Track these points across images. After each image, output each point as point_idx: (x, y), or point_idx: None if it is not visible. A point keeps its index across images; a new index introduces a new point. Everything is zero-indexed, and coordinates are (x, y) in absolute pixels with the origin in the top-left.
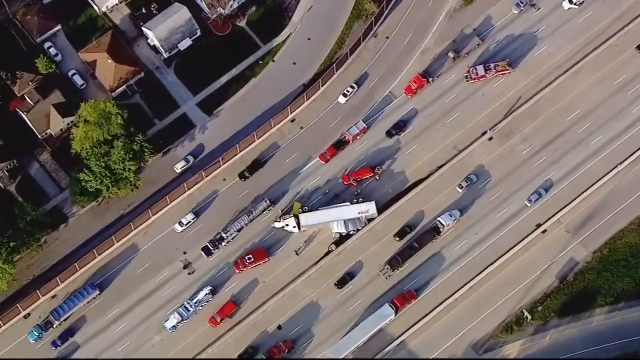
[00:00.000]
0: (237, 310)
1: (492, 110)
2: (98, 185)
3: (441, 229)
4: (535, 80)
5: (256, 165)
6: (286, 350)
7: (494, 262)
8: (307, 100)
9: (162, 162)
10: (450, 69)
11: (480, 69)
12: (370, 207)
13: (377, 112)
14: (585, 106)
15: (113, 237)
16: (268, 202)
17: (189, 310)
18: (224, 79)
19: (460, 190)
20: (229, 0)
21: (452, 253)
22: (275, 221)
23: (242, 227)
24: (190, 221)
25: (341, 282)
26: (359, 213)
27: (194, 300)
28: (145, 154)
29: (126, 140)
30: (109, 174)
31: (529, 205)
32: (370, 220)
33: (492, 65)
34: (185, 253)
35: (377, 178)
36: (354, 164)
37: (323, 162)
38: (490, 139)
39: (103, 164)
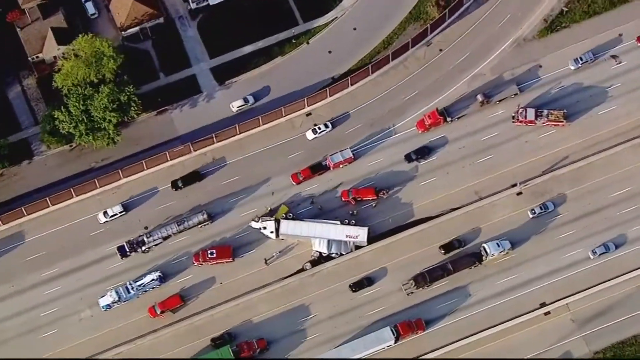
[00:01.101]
0: (182, 307)
1: (531, 162)
2: (71, 129)
3: (484, 257)
4: (589, 142)
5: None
6: (257, 350)
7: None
8: (329, 96)
9: (155, 121)
10: (475, 112)
11: (531, 113)
12: (361, 234)
13: (404, 130)
14: (637, 187)
15: (48, 200)
16: (205, 215)
17: (129, 292)
18: (248, 48)
19: (530, 216)
20: None
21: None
22: (253, 220)
23: (169, 236)
24: (116, 214)
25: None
26: (347, 236)
27: (138, 283)
28: (133, 108)
29: (114, 88)
30: (85, 120)
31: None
32: (358, 247)
33: (545, 112)
34: (146, 228)
35: (373, 205)
36: (360, 180)
37: (294, 183)
38: (519, 193)
39: (82, 107)
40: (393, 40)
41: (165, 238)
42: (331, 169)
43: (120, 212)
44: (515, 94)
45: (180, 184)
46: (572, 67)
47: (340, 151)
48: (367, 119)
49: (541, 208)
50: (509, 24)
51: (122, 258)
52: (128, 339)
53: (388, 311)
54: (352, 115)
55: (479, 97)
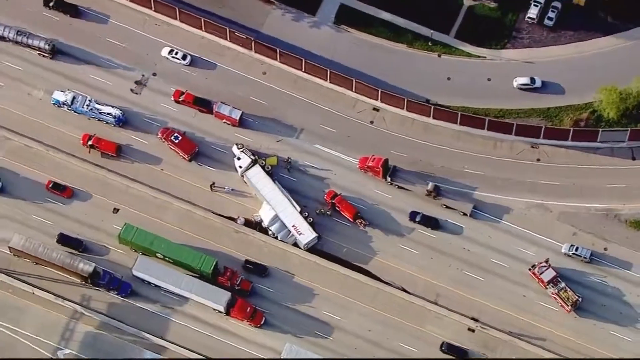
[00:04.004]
0: (114, 158)
1: (513, 316)
2: None
3: None
4: (573, 344)
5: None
6: (237, 285)
7: None
8: (404, 109)
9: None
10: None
11: (549, 274)
12: (307, 235)
13: (441, 190)
14: None
15: None
16: (48, 46)
17: (83, 106)
18: (385, 15)
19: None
20: None
21: None
22: (236, 144)
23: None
24: None
25: None
26: (293, 226)
27: (97, 105)
28: None
29: None
30: None
31: None
32: (294, 244)
33: (563, 284)
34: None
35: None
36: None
37: (174, 99)
38: (472, 330)
39: None
40: (521, 115)
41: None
42: (213, 116)
43: None
44: (464, 214)
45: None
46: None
47: (232, 107)
48: (416, 155)
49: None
50: None
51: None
52: (47, 143)
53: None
54: (407, 141)
55: (429, 186)
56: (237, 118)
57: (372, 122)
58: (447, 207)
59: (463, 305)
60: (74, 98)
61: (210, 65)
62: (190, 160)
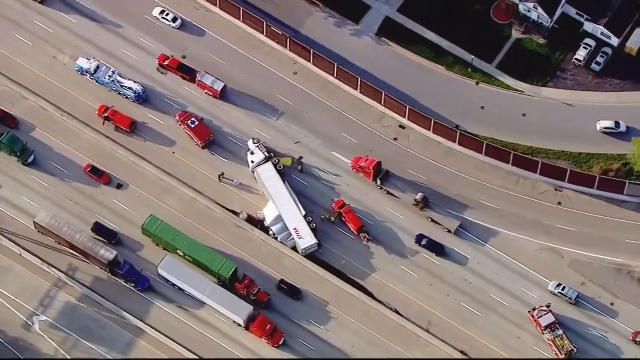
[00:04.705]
0: (127, 133)
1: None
2: None
3: None
4: None
5: None
6: (255, 291)
7: None
8: (430, 130)
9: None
10: None
11: (547, 319)
12: (307, 240)
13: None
14: None
15: None
16: None
17: (105, 77)
18: (429, 35)
19: None
20: None
21: None
22: (252, 139)
23: None
24: None
25: None
26: (294, 229)
27: (119, 78)
28: None
29: None
30: None
31: None
32: (293, 248)
33: (560, 332)
34: None
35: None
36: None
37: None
38: None
39: None
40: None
41: None
42: (196, 84)
43: None
44: (449, 231)
45: None
46: None
47: (215, 78)
48: (433, 178)
49: None
50: None
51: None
52: (63, 108)
53: None
54: (427, 163)
55: (418, 196)
56: (219, 90)
57: (395, 139)
58: (432, 220)
59: (454, 336)
60: (97, 67)
61: (242, 58)
62: (203, 148)
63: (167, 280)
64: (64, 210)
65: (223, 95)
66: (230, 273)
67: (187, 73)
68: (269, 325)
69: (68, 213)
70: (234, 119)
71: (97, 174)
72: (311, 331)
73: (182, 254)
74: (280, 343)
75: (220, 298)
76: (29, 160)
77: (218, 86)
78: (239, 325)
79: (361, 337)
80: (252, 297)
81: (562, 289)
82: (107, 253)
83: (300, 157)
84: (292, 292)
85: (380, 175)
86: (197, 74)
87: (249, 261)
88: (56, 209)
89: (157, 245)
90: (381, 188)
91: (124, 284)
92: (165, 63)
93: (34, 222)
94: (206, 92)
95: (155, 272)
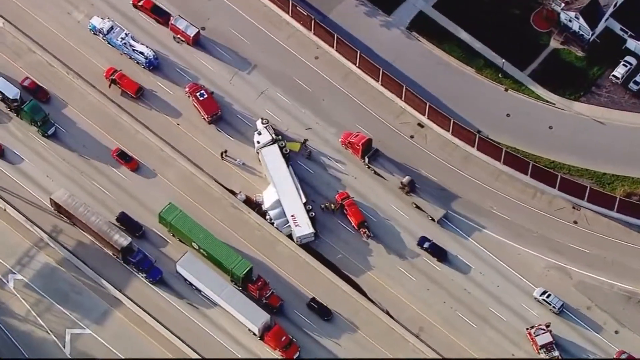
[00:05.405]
0: (133, 99)
1: None
2: None
3: None
4: None
5: None
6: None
7: None
8: (450, 131)
9: None
10: None
11: (545, 339)
12: (304, 229)
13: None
14: None
15: None
16: None
17: (118, 40)
18: (462, 35)
19: None
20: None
21: None
22: (262, 119)
23: None
24: None
25: None
26: (292, 216)
27: (132, 42)
28: None
29: None
30: None
31: None
32: (289, 236)
33: (556, 353)
34: None
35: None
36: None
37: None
38: None
39: None
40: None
41: None
42: (169, 30)
43: None
44: (432, 219)
45: None
46: None
47: (189, 24)
48: (445, 181)
49: None
50: None
51: None
52: (70, 66)
53: None
54: (441, 165)
55: (405, 179)
56: (192, 35)
57: (412, 137)
58: (417, 206)
59: (445, 345)
60: (111, 28)
61: (264, 37)
62: (210, 123)
63: (185, 279)
64: (75, 183)
65: (196, 42)
66: (244, 272)
67: (161, 16)
68: (284, 337)
69: (78, 187)
70: (245, 98)
71: (125, 159)
72: (298, 324)
73: (197, 247)
74: (295, 358)
75: (236, 303)
76: (49, 132)
77: (191, 32)
78: (254, 334)
79: (347, 336)
80: (264, 301)
81: (547, 296)
82: (122, 239)
83: (306, 140)
84: (323, 312)
85: (369, 153)
86: (171, 18)
87: (243, 244)
88: (68, 183)
89: (173, 235)
90: (369, 167)
91: (136, 273)
92: (139, 4)
93: (50, 198)
94: (179, 38)
95: (174, 268)
